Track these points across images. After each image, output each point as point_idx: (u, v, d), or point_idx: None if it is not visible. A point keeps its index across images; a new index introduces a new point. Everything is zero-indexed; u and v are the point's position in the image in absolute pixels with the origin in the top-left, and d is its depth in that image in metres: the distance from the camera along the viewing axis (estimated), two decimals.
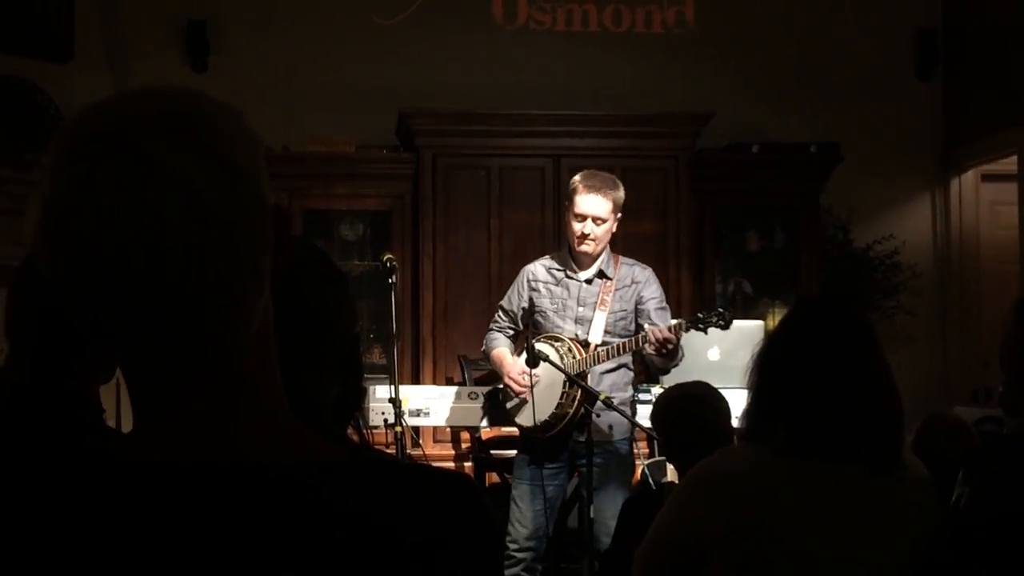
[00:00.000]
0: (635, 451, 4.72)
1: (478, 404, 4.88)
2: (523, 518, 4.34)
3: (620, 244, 5.95)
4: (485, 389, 4.90)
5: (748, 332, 4.70)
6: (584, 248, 4.38)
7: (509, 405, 4.50)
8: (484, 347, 4.67)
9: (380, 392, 4.79)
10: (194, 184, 0.85)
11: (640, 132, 6.15)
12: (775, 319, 5.95)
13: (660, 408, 3.30)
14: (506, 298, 4.62)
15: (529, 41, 6.63)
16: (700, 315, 4.29)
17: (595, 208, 4.34)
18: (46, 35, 6.07)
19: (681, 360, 4.39)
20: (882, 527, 2.14)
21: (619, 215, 4.42)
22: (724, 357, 4.80)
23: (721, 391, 3.26)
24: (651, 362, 4.42)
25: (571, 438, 4.35)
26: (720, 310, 4.26)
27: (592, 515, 4.14)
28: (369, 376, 5.04)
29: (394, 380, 4.72)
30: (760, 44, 6.71)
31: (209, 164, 0.86)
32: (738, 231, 6.41)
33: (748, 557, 2.11)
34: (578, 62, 6.58)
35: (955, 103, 6.87)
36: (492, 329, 4.64)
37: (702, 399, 3.18)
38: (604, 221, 4.35)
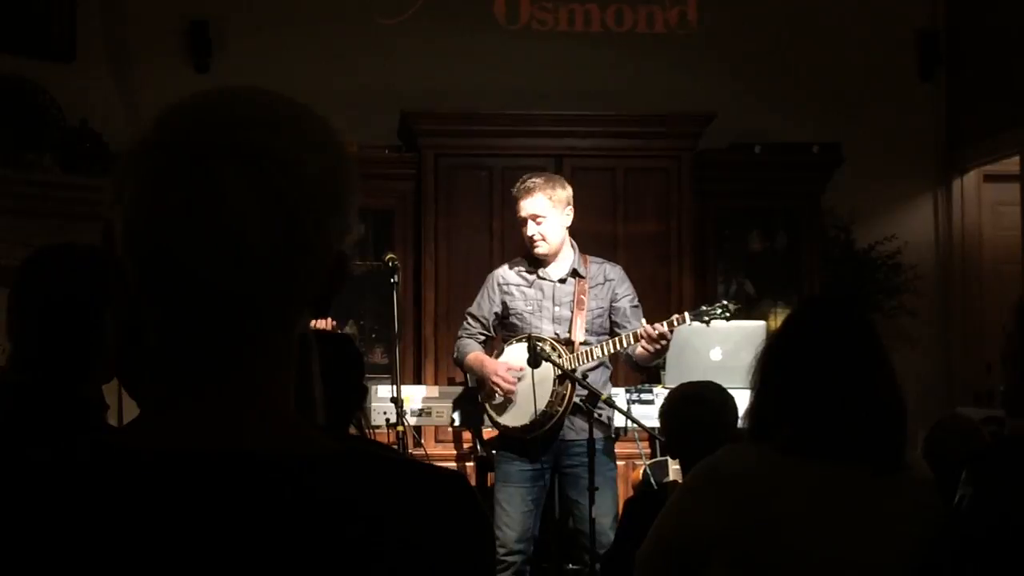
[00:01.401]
0: (636, 449, 4.72)
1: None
2: (511, 521, 4.31)
3: (622, 244, 5.99)
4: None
5: (750, 332, 4.69)
6: (538, 250, 4.41)
7: (491, 405, 4.45)
8: (456, 354, 4.62)
9: (382, 392, 4.80)
10: (268, 209, 0.89)
11: (642, 132, 6.15)
12: (777, 320, 5.95)
13: (666, 407, 3.31)
14: (475, 304, 4.58)
15: (531, 41, 6.63)
16: (703, 307, 4.30)
17: (533, 207, 4.37)
18: (48, 35, 6.07)
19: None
20: (885, 527, 2.14)
21: (568, 209, 4.42)
22: (726, 358, 4.80)
23: None
24: (632, 359, 4.41)
25: (557, 438, 4.34)
26: (724, 302, 4.29)
27: (592, 515, 4.13)
28: (371, 376, 5.03)
29: (396, 380, 4.73)
30: (762, 44, 6.70)
31: (290, 196, 0.89)
32: (740, 231, 6.41)
33: (750, 556, 2.11)
34: (580, 62, 6.58)
35: (957, 104, 6.86)
36: (462, 336, 4.59)
37: (706, 399, 3.18)
38: (545, 218, 4.36)
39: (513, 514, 4.31)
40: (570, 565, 4.75)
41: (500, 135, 6.12)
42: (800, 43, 6.74)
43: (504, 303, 4.48)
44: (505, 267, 4.56)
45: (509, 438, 4.42)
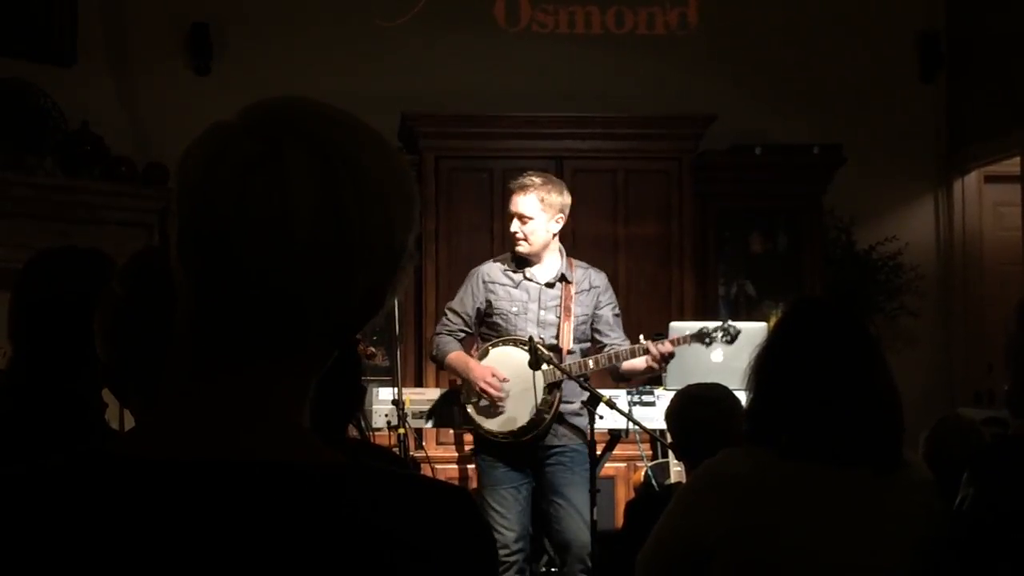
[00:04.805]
0: (638, 451, 4.71)
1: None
2: (508, 523, 4.32)
3: (623, 246, 5.99)
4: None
5: (751, 334, 4.68)
6: (518, 248, 4.41)
7: (474, 409, 4.40)
8: (435, 351, 4.53)
9: (383, 394, 4.80)
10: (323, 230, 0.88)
11: (642, 134, 6.15)
12: None
13: (673, 408, 3.29)
14: (457, 300, 4.54)
15: (531, 43, 6.63)
16: (705, 329, 4.31)
17: (519, 206, 4.38)
18: (49, 39, 6.07)
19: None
20: (885, 529, 2.13)
21: (559, 216, 4.40)
22: (727, 359, 4.78)
23: None
24: (619, 371, 4.43)
25: (541, 441, 4.34)
26: (727, 325, 4.29)
27: (594, 517, 4.14)
28: (372, 378, 5.04)
29: (397, 382, 4.73)
30: (763, 46, 6.70)
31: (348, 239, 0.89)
32: (741, 233, 6.40)
33: (751, 559, 2.10)
34: (580, 64, 6.58)
35: (958, 105, 6.86)
36: (441, 333, 4.52)
37: (713, 401, 3.17)
38: (531, 219, 4.36)
39: (509, 515, 4.32)
40: (553, 569, 4.75)
41: (500, 137, 6.11)
42: (800, 44, 6.74)
43: (489, 301, 4.44)
44: (490, 263, 4.53)
45: (490, 442, 4.40)
